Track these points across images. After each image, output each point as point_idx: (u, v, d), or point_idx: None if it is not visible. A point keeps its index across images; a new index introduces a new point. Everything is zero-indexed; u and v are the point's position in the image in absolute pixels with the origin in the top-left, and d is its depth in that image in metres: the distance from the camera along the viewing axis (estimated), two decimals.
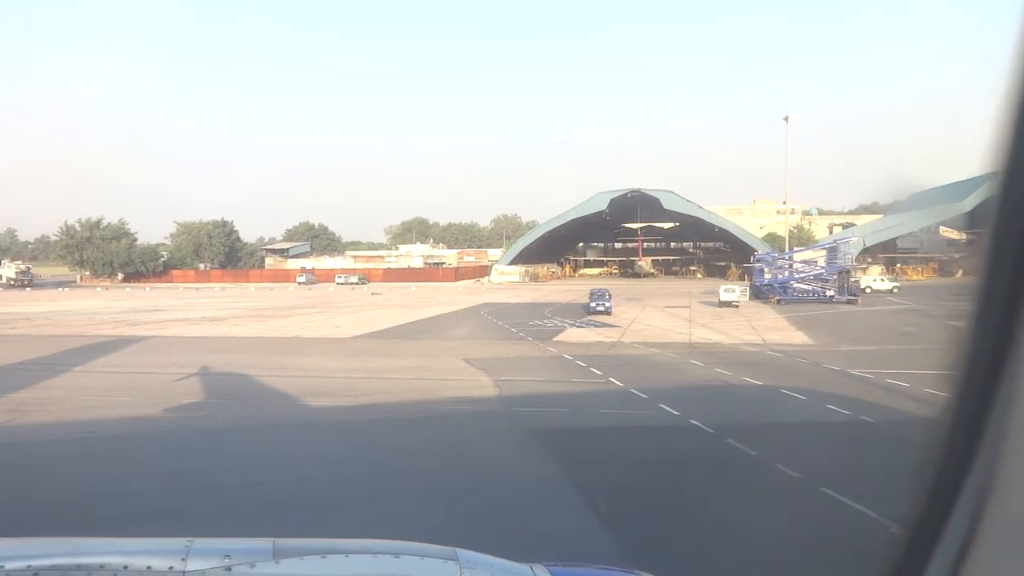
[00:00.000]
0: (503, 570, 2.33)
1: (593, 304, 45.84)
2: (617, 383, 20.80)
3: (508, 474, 12.53)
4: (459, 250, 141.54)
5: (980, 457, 1.62)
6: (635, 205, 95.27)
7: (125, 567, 1.97)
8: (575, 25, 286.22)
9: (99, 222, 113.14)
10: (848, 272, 56.25)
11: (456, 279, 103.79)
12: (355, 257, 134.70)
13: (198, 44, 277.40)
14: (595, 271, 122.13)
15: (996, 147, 1.57)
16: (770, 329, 37.17)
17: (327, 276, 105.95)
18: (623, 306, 50.41)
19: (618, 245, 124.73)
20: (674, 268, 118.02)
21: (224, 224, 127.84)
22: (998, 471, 1.56)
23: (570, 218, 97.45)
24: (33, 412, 17.45)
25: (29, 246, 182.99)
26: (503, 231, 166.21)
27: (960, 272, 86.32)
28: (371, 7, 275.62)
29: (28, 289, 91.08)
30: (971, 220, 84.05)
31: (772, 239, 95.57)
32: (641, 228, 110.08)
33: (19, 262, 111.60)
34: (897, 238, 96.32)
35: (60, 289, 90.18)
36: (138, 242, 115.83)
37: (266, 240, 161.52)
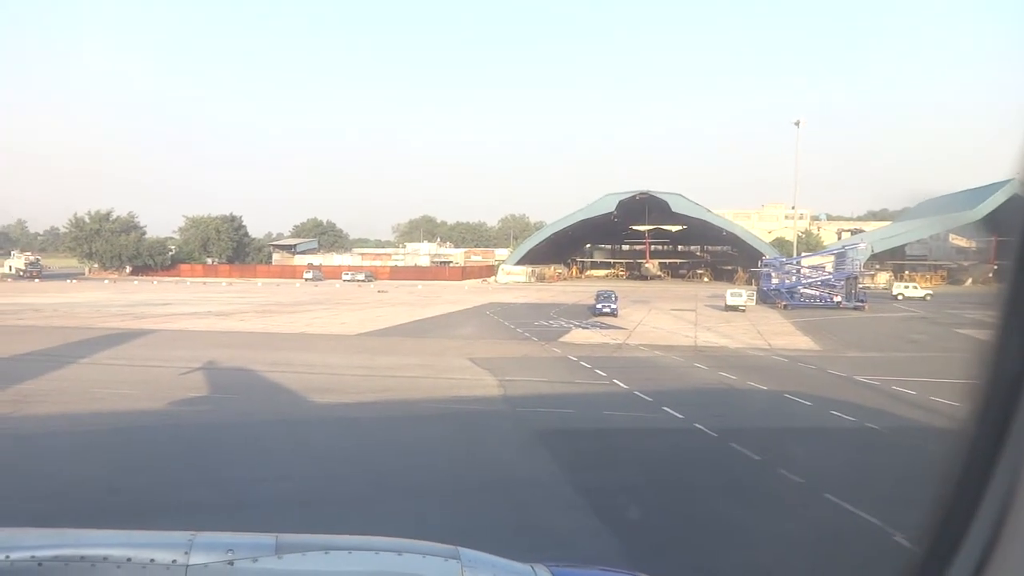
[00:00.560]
0: (505, 569, 2.32)
1: (599, 306, 45.80)
2: (622, 385, 20.77)
3: (511, 474, 12.53)
4: (466, 249, 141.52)
5: (1001, 469, 1.58)
6: (643, 207, 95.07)
7: (128, 559, 1.97)
8: (588, 26, 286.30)
9: (108, 215, 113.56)
10: (856, 278, 56.04)
11: (463, 278, 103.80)
12: (362, 254, 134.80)
13: (209, 40, 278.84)
14: (602, 273, 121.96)
15: (1022, 155, 1.54)
16: (776, 334, 37.05)
17: (334, 273, 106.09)
18: (629, 308, 50.34)
19: (625, 247, 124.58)
20: (681, 271, 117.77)
21: (232, 219, 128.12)
22: (1020, 485, 1.53)
23: (578, 219, 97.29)
24: (38, 403, 17.55)
25: (39, 238, 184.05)
26: (510, 231, 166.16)
27: (969, 280, 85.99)
28: (384, 4, 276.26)
29: (37, 280, 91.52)
30: (982, 228, 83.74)
31: (780, 244, 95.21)
32: (649, 230, 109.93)
33: (28, 253, 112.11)
34: (906, 245, 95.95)
35: (68, 281, 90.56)
36: (147, 236, 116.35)
37: (274, 236, 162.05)
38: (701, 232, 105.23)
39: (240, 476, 12.15)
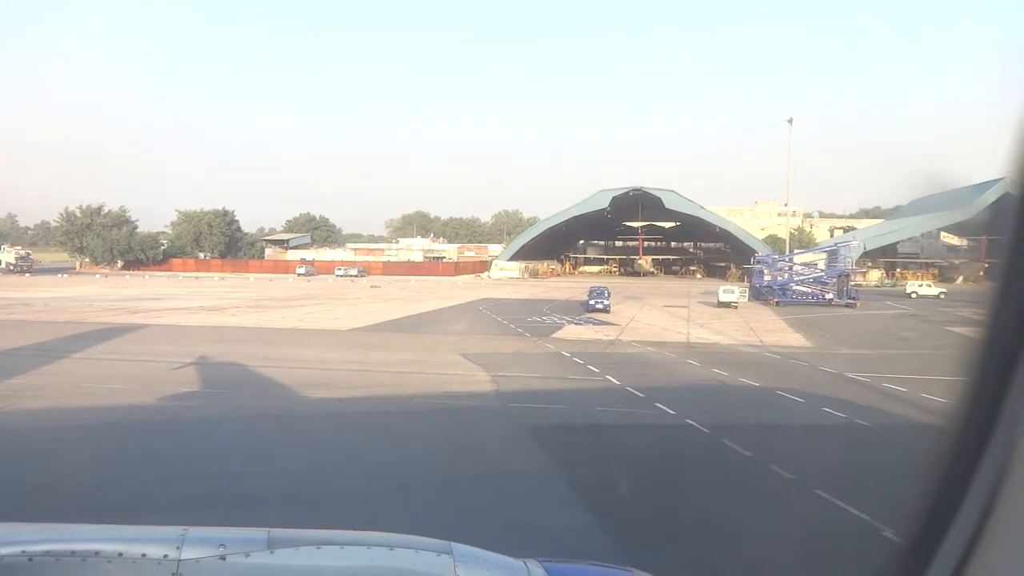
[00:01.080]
0: (497, 564, 2.33)
1: (592, 302, 45.84)
2: (614, 381, 20.81)
3: (503, 469, 12.55)
4: (459, 245, 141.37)
5: (986, 465, 1.60)
6: (636, 204, 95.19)
7: (120, 554, 1.97)
8: (579, 24, 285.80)
9: (100, 209, 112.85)
10: (848, 275, 56.32)
11: (456, 274, 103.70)
12: (355, 250, 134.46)
13: (202, 34, 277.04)
14: (595, 269, 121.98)
15: (1015, 154, 1.54)
16: (768, 331, 37.18)
17: (327, 268, 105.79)
18: (622, 304, 50.43)
19: (618, 243, 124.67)
20: (674, 268, 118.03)
21: (225, 214, 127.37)
22: (1004, 481, 1.54)
23: (571, 215, 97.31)
24: (29, 398, 17.45)
25: (29, 232, 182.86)
26: (504, 227, 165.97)
27: (961, 278, 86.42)
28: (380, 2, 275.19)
29: (27, 275, 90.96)
30: (975, 226, 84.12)
31: (773, 241, 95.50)
32: (642, 227, 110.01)
33: (19, 247, 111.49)
34: (898, 243, 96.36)
35: (59, 275, 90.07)
36: (139, 230, 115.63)
37: (266, 231, 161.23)
38: (694, 229, 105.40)
39: (232, 471, 12.12)
